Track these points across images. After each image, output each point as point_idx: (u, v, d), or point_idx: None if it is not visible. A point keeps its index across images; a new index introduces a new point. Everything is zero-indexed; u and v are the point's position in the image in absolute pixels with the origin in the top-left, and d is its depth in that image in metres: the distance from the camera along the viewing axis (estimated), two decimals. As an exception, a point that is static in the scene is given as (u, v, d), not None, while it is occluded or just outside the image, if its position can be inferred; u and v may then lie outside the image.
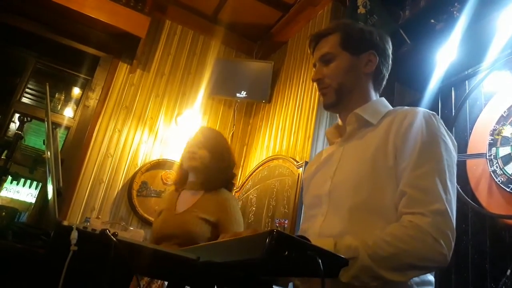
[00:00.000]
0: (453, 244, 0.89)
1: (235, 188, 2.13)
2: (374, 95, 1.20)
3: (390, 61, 1.24)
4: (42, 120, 3.62)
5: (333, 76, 1.17)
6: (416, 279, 0.93)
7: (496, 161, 2.07)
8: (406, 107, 1.12)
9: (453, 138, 1.05)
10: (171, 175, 3.47)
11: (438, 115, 1.06)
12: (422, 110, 1.05)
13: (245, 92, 3.76)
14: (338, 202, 1.05)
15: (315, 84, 1.21)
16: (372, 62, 1.18)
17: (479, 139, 2.19)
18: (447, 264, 0.89)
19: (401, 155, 0.99)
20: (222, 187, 1.94)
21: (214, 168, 1.93)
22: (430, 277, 0.99)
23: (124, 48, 3.62)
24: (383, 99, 1.21)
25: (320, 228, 1.05)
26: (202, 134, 2.02)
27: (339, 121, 1.25)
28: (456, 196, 0.97)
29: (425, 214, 0.89)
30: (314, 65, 1.23)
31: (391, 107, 1.17)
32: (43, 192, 3.81)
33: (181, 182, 2.03)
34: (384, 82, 1.25)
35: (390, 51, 1.23)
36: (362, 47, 1.18)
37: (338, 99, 1.17)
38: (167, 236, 1.84)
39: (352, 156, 1.11)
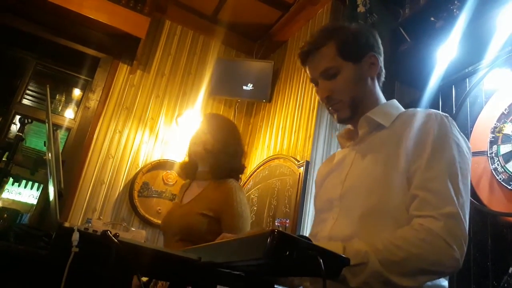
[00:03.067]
0: (465, 248, 0.87)
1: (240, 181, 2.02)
2: (382, 96, 1.19)
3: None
4: (43, 122, 3.63)
5: (343, 91, 1.12)
6: (428, 283, 0.91)
7: (497, 158, 2.07)
8: (418, 109, 1.10)
9: (467, 140, 1.02)
10: (172, 175, 3.47)
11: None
12: (434, 111, 1.03)
13: (246, 91, 3.76)
14: (349, 206, 1.03)
15: (314, 93, 1.18)
16: (374, 64, 1.15)
17: (480, 137, 2.19)
18: (459, 269, 0.87)
19: (413, 157, 0.97)
20: (230, 177, 1.83)
21: (220, 154, 1.83)
22: (444, 282, 0.97)
23: (124, 49, 3.62)
24: (395, 101, 1.19)
25: (330, 231, 1.04)
26: (207, 120, 1.96)
27: (350, 126, 1.23)
28: None
29: (437, 218, 0.87)
30: (314, 81, 1.17)
31: (403, 109, 1.16)
32: (44, 194, 3.81)
33: (188, 173, 1.95)
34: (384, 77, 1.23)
35: (381, 44, 1.20)
36: (361, 51, 1.14)
37: (353, 112, 1.13)
38: (169, 227, 1.81)
39: (364, 160, 1.08)
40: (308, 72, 1.19)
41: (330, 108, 1.16)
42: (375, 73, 1.16)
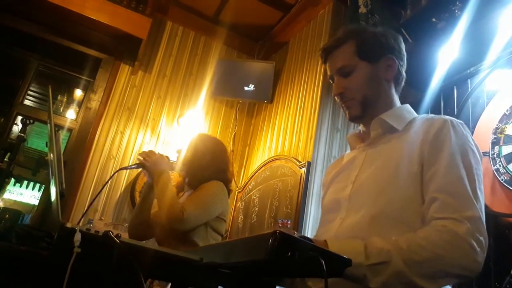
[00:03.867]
0: (486, 252, 0.87)
1: (237, 188, 2.11)
2: (397, 100, 1.19)
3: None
4: (45, 122, 3.64)
5: (356, 89, 1.14)
6: None
7: (499, 159, 2.06)
8: (432, 114, 1.11)
9: (478, 147, 1.03)
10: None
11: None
12: (449, 118, 1.05)
13: (247, 92, 3.76)
14: (358, 207, 1.03)
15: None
16: (392, 67, 1.16)
17: (481, 138, 2.19)
18: (478, 273, 0.87)
19: (429, 163, 0.97)
20: (212, 180, 1.93)
21: (194, 166, 1.97)
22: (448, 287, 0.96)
23: (125, 49, 3.63)
24: (408, 105, 1.19)
25: (337, 232, 1.03)
26: (193, 138, 2.10)
27: (362, 127, 1.23)
28: None
29: (460, 220, 0.87)
30: (331, 78, 1.20)
31: (416, 114, 1.16)
32: (46, 194, 3.81)
33: (180, 187, 2.11)
34: (403, 82, 1.22)
35: (404, 50, 1.20)
36: (379, 52, 1.15)
37: (364, 111, 1.15)
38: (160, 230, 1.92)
39: (375, 161, 1.09)
40: (327, 68, 1.21)
41: (343, 105, 1.18)
42: (391, 76, 1.16)
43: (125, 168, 2.19)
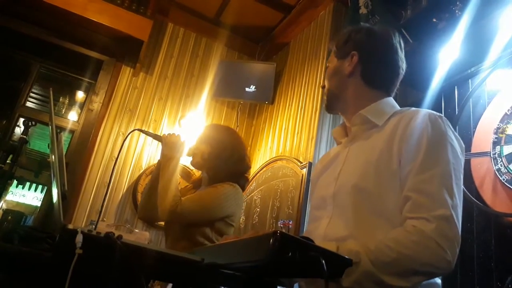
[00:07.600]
0: (457, 249, 0.88)
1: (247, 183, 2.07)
2: (379, 95, 1.17)
3: (394, 54, 1.19)
4: (47, 124, 3.65)
5: (326, 82, 1.25)
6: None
7: (500, 159, 2.06)
8: (413, 108, 1.09)
9: (460, 141, 1.02)
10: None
11: (441, 114, 1.05)
12: (428, 111, 1.03)
13: (249, 93, 3.77)
14: (343, 205, 1.04)
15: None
16: (352, 62, 1.18)
17: (483, 138, 2.18)
18: (451, 270, 0.88)
19: (406, 158, 0.97)
20: (228, 180, 1.87)
21: (217, 160, 1.89)
22: (438, 280, 0.98)
23: (127, 51, 3.64)
24: (391, 99, 1.18)
25: (326, 231, 1.05)
26: (205, 130, 2.03)
27: (345, 121, 1.24)
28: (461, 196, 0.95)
29: (429, 220, 0.88)
30: None
31: (398, 108, 1.15)
32: (48, 196, 3.83)
33: (196, 182, 2.04)
34: (391, 79, 1.20)
35: (386, 45, 1.19)
36: (346, 49, 1.20)
37: (329, 103, 1.25)
38: (170, 229, 1.89)
39: (357, 158, 1.09)
40: None
41: None
42: (349, 71, 1.18)
43: (143, 131, 2.06)
